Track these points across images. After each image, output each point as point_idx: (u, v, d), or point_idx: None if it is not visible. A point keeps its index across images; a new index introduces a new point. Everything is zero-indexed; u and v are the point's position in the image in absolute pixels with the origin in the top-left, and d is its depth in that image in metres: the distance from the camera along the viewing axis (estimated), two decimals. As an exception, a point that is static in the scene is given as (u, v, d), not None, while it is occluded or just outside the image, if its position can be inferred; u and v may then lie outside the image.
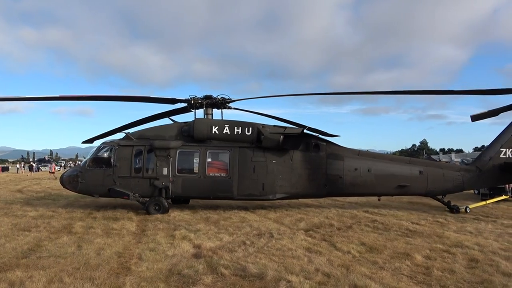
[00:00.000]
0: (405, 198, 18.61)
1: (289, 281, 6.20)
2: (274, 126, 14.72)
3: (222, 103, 15.19)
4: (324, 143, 14.81)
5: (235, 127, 14.14)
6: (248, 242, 9.10)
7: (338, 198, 17.79)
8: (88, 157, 14.94)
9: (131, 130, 15.28)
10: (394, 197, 17.78)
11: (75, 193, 20.79)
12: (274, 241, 9.21)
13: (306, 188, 14.44)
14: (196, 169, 14.23)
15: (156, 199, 13.71)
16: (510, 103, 15.35)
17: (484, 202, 16.06)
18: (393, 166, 14.89)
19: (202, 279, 6.38)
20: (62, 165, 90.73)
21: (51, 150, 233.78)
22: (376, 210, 14.99)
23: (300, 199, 15.59)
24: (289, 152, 14.35)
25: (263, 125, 14.44)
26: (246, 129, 14.16)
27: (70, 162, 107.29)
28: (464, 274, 6.77)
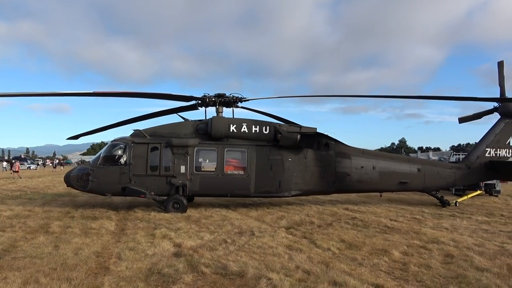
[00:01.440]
0: (384, 195, 19.01)
1: (269, 279, 6.22)
2: (290, 125, 15.00)
3: (235, 102, 15.19)
4: (333, 142, 15.34)
5: (253, 126, 14.32)
6: (229, 241, 9.09)
7: (319, 196, 17.98)
8: (99, 154, 14.41)
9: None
10: (373, 194, 18.32)
11: (53, 192, 20.37)
12: (255, 239, 9.23)
13: (317, 185, 14.92)
14: (214, 167, 14.22)
15: (176, 197, 13.59)
16: (489, 108, 16.86)
17: (466, 197, 17.09)
18: (395, 164, 15.73)
19: (183, 278, 6.34)
20: (40, 163, 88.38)
21: (27, 148, 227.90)
22: (356, 208, 15.23)
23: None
24: (303, 151, 14.76)
25: (280, 124, 14.82)
26: (264, 127, 14.39)
27: (48, 160, 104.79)
28: (439, 269, 6.96)
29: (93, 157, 15.02)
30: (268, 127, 14.40)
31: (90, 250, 8.03)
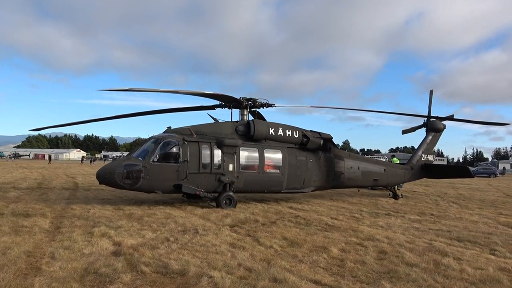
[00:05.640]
0: (326, 195, 19.78)
1: (211, 277, 6.22)
2: (311, 131, 17.03)
3: (263, 106, 16.61)
4: (332, 146, 17.90)
5: (287, 130, 15.99)
6: (171, 239, 8.95)
7: (264, 195, 18.27)
8: (151, 150, 13.65)
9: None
10: (316, 193, 19.15)
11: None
12: (198, 237, 9.16)
13: (324, 182, 17.30)
14: (256, 166, 15.39)
15: (227, 194, 14.44)
16: (421, 124, 21.27)
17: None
18: (370, 165, 19.13)
19: (121, 277, 6.15)
20: None
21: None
22: (299, 206, 15.64)
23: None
24: (318, 153, 17.06)
25: (305, 130, 16.72)
26: (294, 132, 16.22)
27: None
28: (373, 265, 7.34)
29: (136, 152, 14.12)
30: (297, 132, 16.27)
31: (20, 250, 7.53)
